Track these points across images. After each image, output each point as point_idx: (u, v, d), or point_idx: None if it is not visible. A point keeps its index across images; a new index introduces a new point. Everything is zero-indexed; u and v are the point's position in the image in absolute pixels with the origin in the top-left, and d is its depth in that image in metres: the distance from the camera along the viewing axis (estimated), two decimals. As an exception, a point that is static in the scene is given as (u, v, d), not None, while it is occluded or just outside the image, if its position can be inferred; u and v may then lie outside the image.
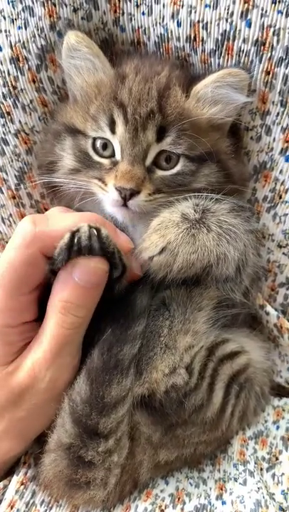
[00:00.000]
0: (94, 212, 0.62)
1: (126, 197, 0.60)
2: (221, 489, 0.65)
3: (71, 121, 0.65)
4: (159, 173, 0.62)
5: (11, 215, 0.73)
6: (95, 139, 0.64)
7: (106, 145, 0.63)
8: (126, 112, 0.60)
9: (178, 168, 0.63)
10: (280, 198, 0.68)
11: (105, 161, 0.63)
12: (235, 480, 0.65)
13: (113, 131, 0.62)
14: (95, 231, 0.54)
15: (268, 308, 0.73)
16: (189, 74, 0.66)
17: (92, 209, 0.65)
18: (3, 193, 0.72)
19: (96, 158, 0.64)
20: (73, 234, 0.53)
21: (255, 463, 0.66)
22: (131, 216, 0.63)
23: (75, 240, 0.53)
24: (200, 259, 0.58)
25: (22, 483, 0.62)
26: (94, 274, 0.55)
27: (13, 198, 0.72)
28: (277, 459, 0.66)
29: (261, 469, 0.66)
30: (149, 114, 0.60)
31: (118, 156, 0.62)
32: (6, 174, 0.71)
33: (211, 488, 0.65)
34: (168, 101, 0.61)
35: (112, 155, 0.63)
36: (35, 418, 0.59)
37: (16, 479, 0.62)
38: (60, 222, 0.57)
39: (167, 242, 0.58)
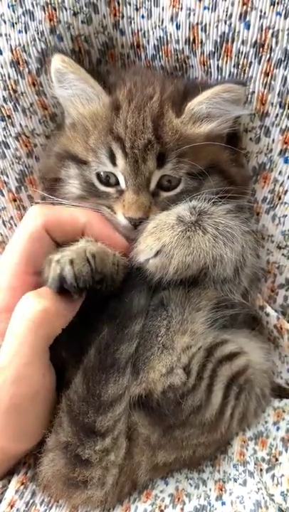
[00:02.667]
0: None
1: (136, 224, 0.62)
2: (221, 490, 0.65)
3: (73, 151, 0.66)
4: (164, 194, 0.64)
5: (11, 217, 0.74)
6: (98, 173, 0.64)
7: (109, 176, 0.64)
8: (124, 146, 0.61)
9: (181, 187, 0.64)
10: (280, 199, 0.68)
11: (111, 190, 0.64)
12: (235, 480, 0.65)
13: (114, 163, 0.63)
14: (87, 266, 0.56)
15: (268, 309, 0.73)
16: (183, 84, 0.66)
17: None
18: (4, 195, 0.72)
19: (102, 188, 0.65)
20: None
21: (255, 463, 0.66)
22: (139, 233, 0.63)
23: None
24: (195, 261, 0.59)
25: (22, 483, 0.63)
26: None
27: (14, 200, 0.73)
28: (277, 460, 0.66)
29: (261, 470, 0.66)
30: (146, 145, 0.61)
31: (123, 185, 0.63)
32: (7, 177, 0.71)
33: (210, 489, 0.65)
34: (164, 129, 0.61)
35: (117, 183, 0.64)
36: (21, 412, 0.57)
37: (16, 479, 0.63)
38: (65, 208, 0.63)
39: (162, 244, 0.58)
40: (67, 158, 0.66)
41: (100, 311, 0.60)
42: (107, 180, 0.64)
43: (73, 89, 0.64)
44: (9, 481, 0.63)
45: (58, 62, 0.63)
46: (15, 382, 0.55)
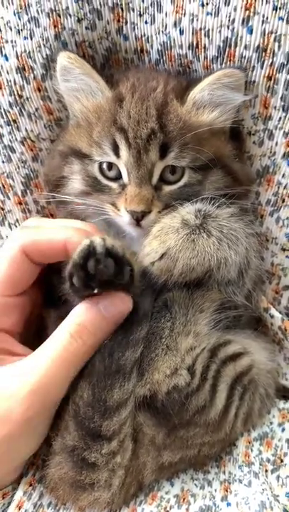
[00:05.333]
0: (106, 226, 0.66)
1: (138, 218, 0.62)
2: (226, 491, 0.65)
3: (77, 146, 0.66)
4: (167, 188, 0.64)
5: (17, 220, 0.74)
6: (101, 163, 0.65)
7: (111, 165, 0.65)
8: (127, 137, 0.61)
9: (184, 180, 0.64)
10: (283, 201, 0.69)
11: (114, 185, 0.65)
12: (240, 481, 0.65)
13: (118, 155, 0.63)
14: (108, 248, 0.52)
15: (273, 311, 0.73)
16: (186, 80, 0.67)
17: (103, 222, 0.68)
18: (9, 198, 0.73)
19: (105, 181, 0.65)
20: (87, 253, 0.52)
21: (260, 464, 0.66)
22: (144, 232, 0.64)
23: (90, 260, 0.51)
24: (200, 263, 0.59)
25: (30, 484, 0.63)
26: (120, 308, 0.56)
27: (20, 203, 0.74)
28: (282, 461, 0.66)
29: (266, 471, 0.66)
30: (150, 134, 0.61)
31: (125, 178, 0.64)
32: (13, 181, 0.72)
33: (216, 490, 0.65)
34: (168, 117, 0.62)
35: (119, 176, 0.64)
36: (10, 449, 0.56)
37: (24, 480, 0.63)
38: (44, 229, 0.59)
39: (167, 247, 0.59)
40: (70, 155, 0.67)
41: None
42: (109, 168, 0.65)
43: (78, 83, 0.65)
44: (19, 483, 0.63)
45: (64, 59, 0.64)
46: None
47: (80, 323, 0.55)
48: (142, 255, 0.61)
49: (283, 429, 0.71)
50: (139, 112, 0.62)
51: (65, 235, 0.57)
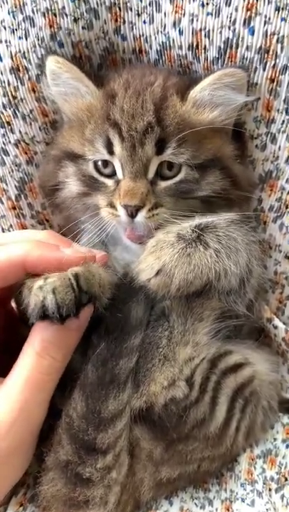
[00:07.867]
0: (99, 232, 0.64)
1: (132, 213, 0.60)
2: (228, 510, 0.63)
3: (69, 147, 0.65)
4: (163, 184, 0.62)
5: (11, 225, 0.73)
6: (95, 161, 0.63)
7: (107, 163, 0.63)
8: (121, 131, 0.60)
9: (181, 176, 0.62)
10: (287, 207, 0.67)
11: (109, 182, 0.63)
12: (243, 500, 0.63)
13: (111, 152, 0.61)
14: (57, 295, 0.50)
15: (276, 321, 0.72)
16: (188, 79, 0.65)
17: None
18: (3, 203, 0.72)
19: (101, 179, 0.64)
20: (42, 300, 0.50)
21: (264, 483, 0.64)
22: (142, 245, 0.62)
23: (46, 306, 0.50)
24: (198, 277, 0.57)
25: (21, 505, 0.61)
26: (83, 314, 0.53)
27: (14, 208, 0.72)
28: (286, 479, 0.64)
29: (270, 490, 0.64)
30: (146, 128, 0.59)
31: (120, 174, 0.62)
32: (6, 184, 0.71)
33: (217, 509, 0.63)
34: (166, 112, 0.60)
35: (114, 173, 0.63)
36: None
37: (14, 500, 0.61)
38: (4, 246, 0.53)
39: (162, 263, 0.57)
40: (63, 159, 0.66)
41: (95, 324, 0.58)
42: (105, 166, 0.63)
43: (67, 87, 0.64)
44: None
45: (52, 63, 0.63)
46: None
47: (43, 339, 0.52)
48: (138, 271, 0.59)
49: (288, 446, 0.69)
50: (133, 106, 0.60)
51: (25, 249, 0.52)
